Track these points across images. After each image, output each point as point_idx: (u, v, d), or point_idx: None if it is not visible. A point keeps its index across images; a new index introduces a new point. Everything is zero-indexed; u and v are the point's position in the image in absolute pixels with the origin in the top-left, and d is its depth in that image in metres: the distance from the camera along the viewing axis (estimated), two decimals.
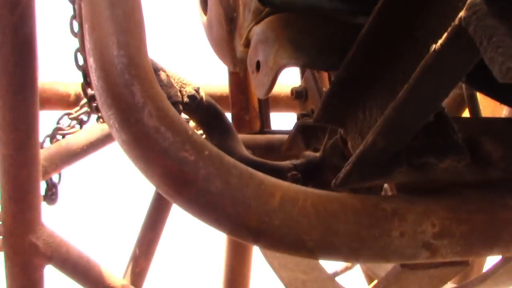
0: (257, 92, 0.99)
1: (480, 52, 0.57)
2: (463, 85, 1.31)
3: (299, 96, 1.79)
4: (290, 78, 2.12)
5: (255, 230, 0.84)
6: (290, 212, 0.84)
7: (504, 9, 0.60)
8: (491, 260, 1.28)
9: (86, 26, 0.92)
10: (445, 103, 0.89)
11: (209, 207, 0.84)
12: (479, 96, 1.33)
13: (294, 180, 1.39)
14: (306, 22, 0.99)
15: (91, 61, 0.91)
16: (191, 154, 0.84)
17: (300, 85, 1.82)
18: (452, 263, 0.96)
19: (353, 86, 0.90)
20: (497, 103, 1.73)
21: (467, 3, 0.60)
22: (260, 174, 0.86)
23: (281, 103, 2.17)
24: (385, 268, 1.40)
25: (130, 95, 0.86)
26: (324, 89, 1.68)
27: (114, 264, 2.51)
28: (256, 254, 2.28)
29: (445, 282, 1.04)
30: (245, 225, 0.84)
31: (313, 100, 1.74)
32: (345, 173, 0.89)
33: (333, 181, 0.92)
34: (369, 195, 0.91)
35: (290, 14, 1.00)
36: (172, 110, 0.89)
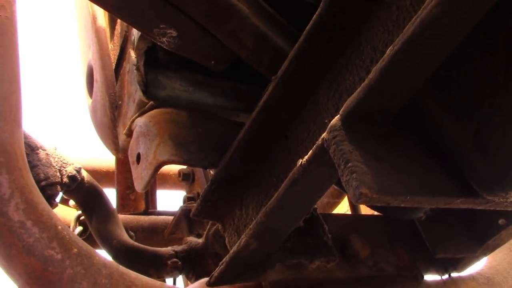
0: (135, 185, 0.97)
1: (338, 173, 0.61)
2: None
3: (186, 178, 1.79)
4: None
5: None
6: None
7: (361, 134, 0.65)
8: None
9: None
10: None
11: None
12: None
13: (174, 267, 1.37)
14: (189, 117, 1.00)
15: None
16: (57, 252, 0.80)
17: (187, 167, 1.82)
18: None
19: (231, 185, 0.92)
20: None
21: (329, 125, 0.64)
22: (132, 274, 0.84)
23: (170, 182, 2.14)
24: None
25: None
26: (211, 172, 1.69)
27: None
28: None
29: None
30: None
31: (199, 183, 1.75)
32: (219, 272, 0.89)
33: (208, 279, 0.91)
34: None
35: (173, 109, 1.01)
36: (42, 203, 0.85)
